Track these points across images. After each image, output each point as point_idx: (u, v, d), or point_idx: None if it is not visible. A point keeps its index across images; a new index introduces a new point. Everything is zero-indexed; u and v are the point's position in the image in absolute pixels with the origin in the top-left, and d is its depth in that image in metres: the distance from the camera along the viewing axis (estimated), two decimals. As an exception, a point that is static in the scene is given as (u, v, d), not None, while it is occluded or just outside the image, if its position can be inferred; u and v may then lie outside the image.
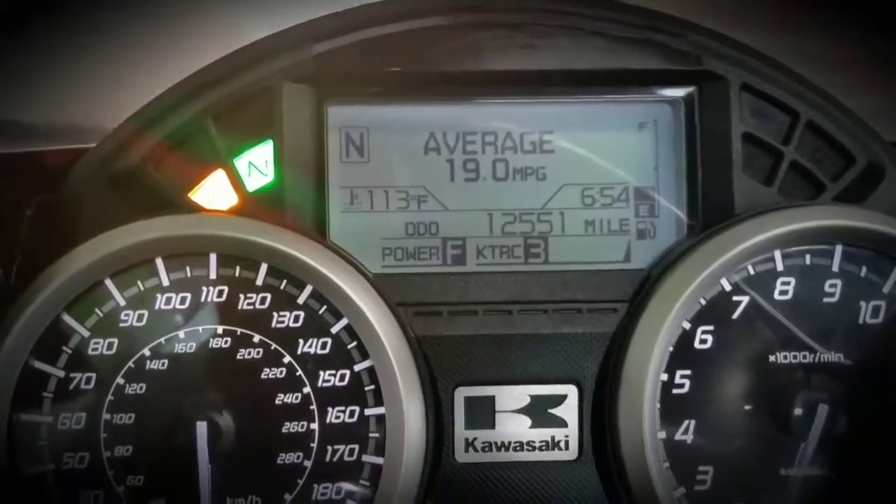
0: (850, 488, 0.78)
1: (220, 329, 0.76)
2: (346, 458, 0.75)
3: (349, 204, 0.83)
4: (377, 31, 0.82)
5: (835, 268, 0.78)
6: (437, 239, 0.83)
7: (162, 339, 0.75)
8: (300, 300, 0.76)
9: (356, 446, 0.76)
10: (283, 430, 0.75)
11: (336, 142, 0.83)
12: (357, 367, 0.76)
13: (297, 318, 0.76)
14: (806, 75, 0.86)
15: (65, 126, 1.01)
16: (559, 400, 0.79)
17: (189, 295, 0.76)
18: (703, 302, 0.78)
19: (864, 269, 0.79)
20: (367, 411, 0.76)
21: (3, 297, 0.80)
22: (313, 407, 0.76)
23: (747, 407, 0.78)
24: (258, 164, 0.81)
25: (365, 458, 0.76)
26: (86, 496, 0.74)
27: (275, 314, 0.76)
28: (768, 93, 0.82)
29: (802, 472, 0.78)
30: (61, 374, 0.75)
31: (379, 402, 0.76)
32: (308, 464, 0.75)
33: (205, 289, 0.76)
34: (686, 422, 0.77)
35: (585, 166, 0.84)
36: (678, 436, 0.77)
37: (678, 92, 0.84)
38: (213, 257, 0.76)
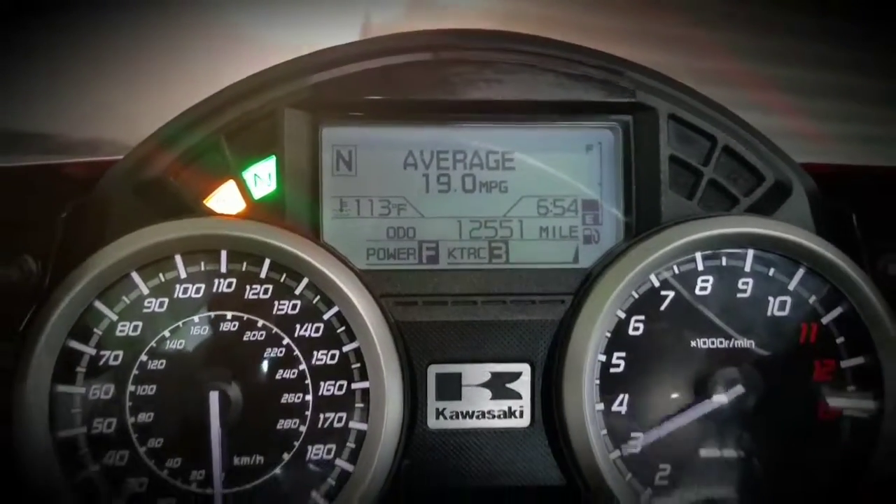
0: (758, 456, 0.85)
1: (229, 315, 0.82)
2: (335, 425, 0.82)
3: (339, 211, 0.89)
4: (365, 64, 0.88)
5: (747, 268, 0.85)
6: (414, 242, 0.90)
7: (180, 323, 0.82)
8: (297, 291, 0.83)
9: (344, 414, 0.82)
10: (283, 401, 0.82)
11: (329, 158, 0.89)
12: (345, 348, 0.83)
13: (294, 307, 0.83)
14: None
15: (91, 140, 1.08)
16: (515, 376, 0.86)
17: (203, 286, 0.82)
18: (636, 295, 0.85)
19: (772, 270, 0.85)
20: (354, 385, 0.82)
21: (38, 288, 0.86)
22: (308, 381, 0.82)
23: (673, 384, 0.85)
24: (263, 176, 0.87)
25: (351, 424, 0.82)
26: (112, 456, 0.81)
27: (276, 302, 0.82)
28: (691, 121, 0.89)
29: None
30: (93, 352, 0.81)
31: (364, 377, 0.82)
32: (303, 429, 0.82)
33: (216, 280, 0.82)
34: (621, 396, 0.84)
35: (541, 181, 0.91)
36: (614, 407, 0.84)
37: (618, 120, 0.90)
38: (223, 254, 0.82)
